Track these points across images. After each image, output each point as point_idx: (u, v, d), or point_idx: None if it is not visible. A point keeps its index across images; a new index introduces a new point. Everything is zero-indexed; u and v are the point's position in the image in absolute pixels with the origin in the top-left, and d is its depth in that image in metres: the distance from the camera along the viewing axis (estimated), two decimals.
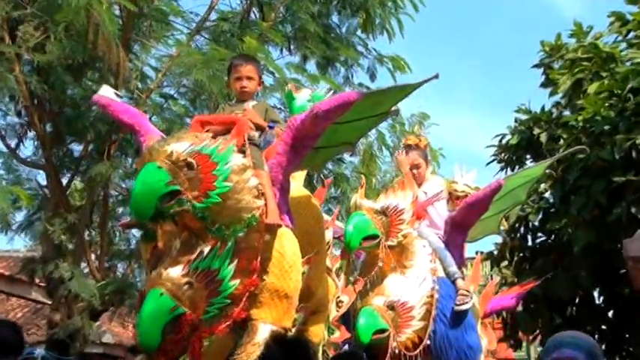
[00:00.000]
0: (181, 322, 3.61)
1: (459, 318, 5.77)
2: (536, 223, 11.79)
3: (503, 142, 12.53)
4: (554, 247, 11.51)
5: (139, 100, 10.47)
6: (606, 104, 10.57)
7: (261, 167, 4.16)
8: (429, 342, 5.64)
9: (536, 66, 12.60)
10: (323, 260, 5.08)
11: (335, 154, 4.95)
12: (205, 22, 11.35)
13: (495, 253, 12.31)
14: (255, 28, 11.45)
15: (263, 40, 11.17)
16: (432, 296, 5.71)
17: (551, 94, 12.11)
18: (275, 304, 4.05)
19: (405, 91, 4.44)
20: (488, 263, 12.94)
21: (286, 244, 4.16)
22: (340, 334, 6.03)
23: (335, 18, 12.59)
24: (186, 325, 3.61)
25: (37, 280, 11.76)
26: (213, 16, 11.50)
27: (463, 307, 5.77)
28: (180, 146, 3.68)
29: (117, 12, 10.37)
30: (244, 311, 3.86)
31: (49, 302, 11.38)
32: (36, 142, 11.22)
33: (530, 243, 12.04)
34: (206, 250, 3.76)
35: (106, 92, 4.77)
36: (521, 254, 12.03)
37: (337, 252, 6.58)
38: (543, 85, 12.34)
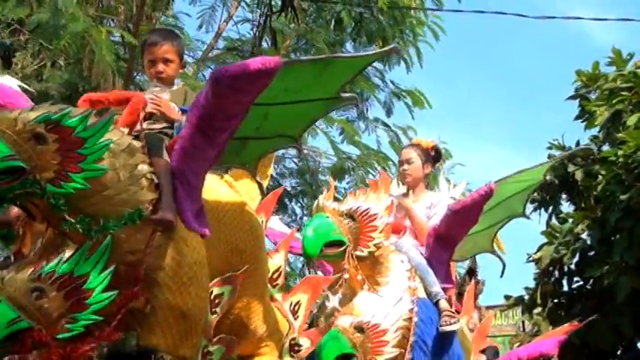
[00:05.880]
0: (24, 339, 2.82)
1: (442, 346, 4.82)
2: (572, 267, 10.82)
3: None
4: (593, 293, 10.68)
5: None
6: None
7: (160, 155, 3.38)
8: None
9: (571, 97, 11.74)
10: (260, 286, 4.12)
11: (272, 149, 4.06)
12: (212, 50, 10.79)
13: (526, 297, 11.30)
14: None
15: None
16: (410, 319, 4.74)
17: (587, 126, 11.34)
18: (169, 326, 3.19)
19: (352, 64, 3.57)
20: (519, 310, 11.95)
21: (185, 251, 3.28)
22: None
23: (349, 46, 11.87)
24: (31, 344, 2.81)
25: None
26: (221, 44, 10.98)
27: (449, 328, 4.79)
28: (31, 115, 2.90)
29: (117, 38, 9.96)
30: (117, 331, 3.02)
31: None
32: None
33: (565, 288, 11.10)
34: (70, 251, 2.96)
35: (7, 82, 4.07)
36: (555, 300, 11.07)
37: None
38: (578, 117, 11.50)
